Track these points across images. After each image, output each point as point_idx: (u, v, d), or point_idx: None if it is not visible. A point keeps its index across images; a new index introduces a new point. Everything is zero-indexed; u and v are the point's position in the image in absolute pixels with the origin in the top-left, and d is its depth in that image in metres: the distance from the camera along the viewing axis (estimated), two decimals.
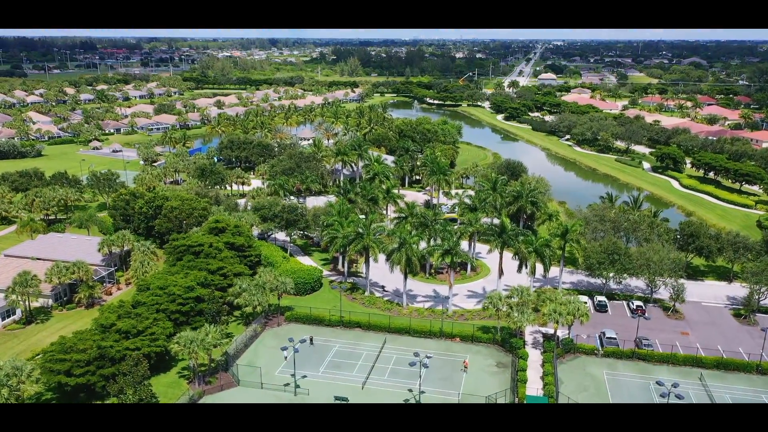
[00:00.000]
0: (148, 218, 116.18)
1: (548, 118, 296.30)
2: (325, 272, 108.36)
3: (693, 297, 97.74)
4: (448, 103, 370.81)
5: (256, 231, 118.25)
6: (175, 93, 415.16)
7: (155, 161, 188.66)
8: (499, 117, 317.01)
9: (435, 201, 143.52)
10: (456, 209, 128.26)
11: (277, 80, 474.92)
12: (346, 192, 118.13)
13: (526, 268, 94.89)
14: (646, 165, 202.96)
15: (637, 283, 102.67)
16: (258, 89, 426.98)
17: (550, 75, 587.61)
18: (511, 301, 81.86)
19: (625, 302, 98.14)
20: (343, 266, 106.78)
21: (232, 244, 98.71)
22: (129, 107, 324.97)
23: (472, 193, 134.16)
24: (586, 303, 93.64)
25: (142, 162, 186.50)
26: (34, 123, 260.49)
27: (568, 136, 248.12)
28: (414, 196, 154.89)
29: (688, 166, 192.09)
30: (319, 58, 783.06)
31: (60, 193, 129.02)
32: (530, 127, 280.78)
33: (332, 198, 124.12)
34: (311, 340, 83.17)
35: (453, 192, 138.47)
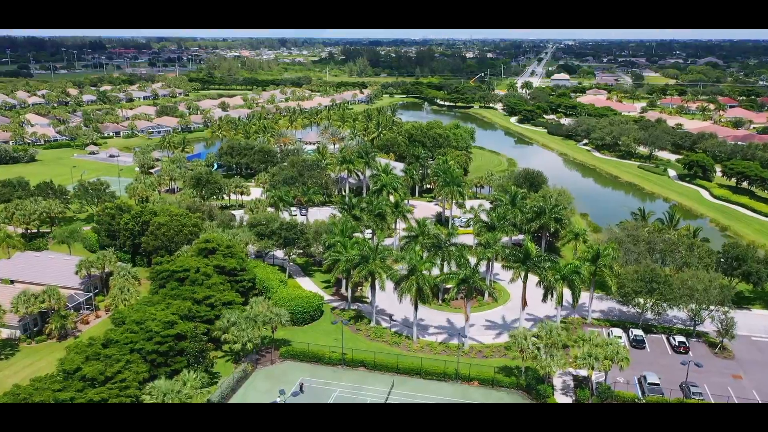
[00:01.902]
0: (135, 235, 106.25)
1: (564, 120, 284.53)
2: (327, 297, 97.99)
3: (741, 330, 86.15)
4: (460, 104, 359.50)
5: (252, 248, 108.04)
6: (180, 94, 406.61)
7: (152, 168, 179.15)
8: (513, 120, 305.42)
9: (448, 213, 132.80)
10: (471, 224, 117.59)
11: (284, 81, 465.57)
12: (350, 208, 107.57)
13: (552, 297, 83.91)
14: (672, 172, 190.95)
15: (675, 312, 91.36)
16: (264, 90, 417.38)
17: (563, 75, 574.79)
18: (538, 340, 70.94)
19: (664, 336, 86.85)
20: (346, 290, 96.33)
21: (223, 268, 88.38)
22: (131, 109, 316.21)
23: (487, 205, 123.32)
24: (620, 338, 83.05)
25: (137, 168, 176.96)
26: (32, 125, 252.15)
27: (585, 141, 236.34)
28: (425, 208, 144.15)
29: (718, 174, 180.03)
30: (328, 58, 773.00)
31: (42, 205, 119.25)
32: (546, 130, 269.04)
33: (337, 213, 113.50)
34: (301, 387, 72.49)
35: (468, 205, 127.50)
